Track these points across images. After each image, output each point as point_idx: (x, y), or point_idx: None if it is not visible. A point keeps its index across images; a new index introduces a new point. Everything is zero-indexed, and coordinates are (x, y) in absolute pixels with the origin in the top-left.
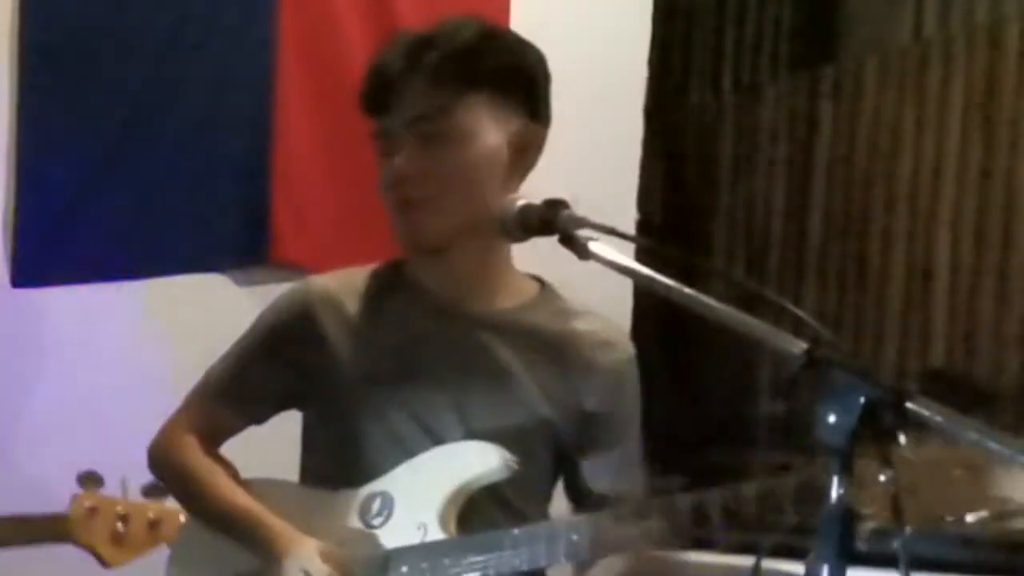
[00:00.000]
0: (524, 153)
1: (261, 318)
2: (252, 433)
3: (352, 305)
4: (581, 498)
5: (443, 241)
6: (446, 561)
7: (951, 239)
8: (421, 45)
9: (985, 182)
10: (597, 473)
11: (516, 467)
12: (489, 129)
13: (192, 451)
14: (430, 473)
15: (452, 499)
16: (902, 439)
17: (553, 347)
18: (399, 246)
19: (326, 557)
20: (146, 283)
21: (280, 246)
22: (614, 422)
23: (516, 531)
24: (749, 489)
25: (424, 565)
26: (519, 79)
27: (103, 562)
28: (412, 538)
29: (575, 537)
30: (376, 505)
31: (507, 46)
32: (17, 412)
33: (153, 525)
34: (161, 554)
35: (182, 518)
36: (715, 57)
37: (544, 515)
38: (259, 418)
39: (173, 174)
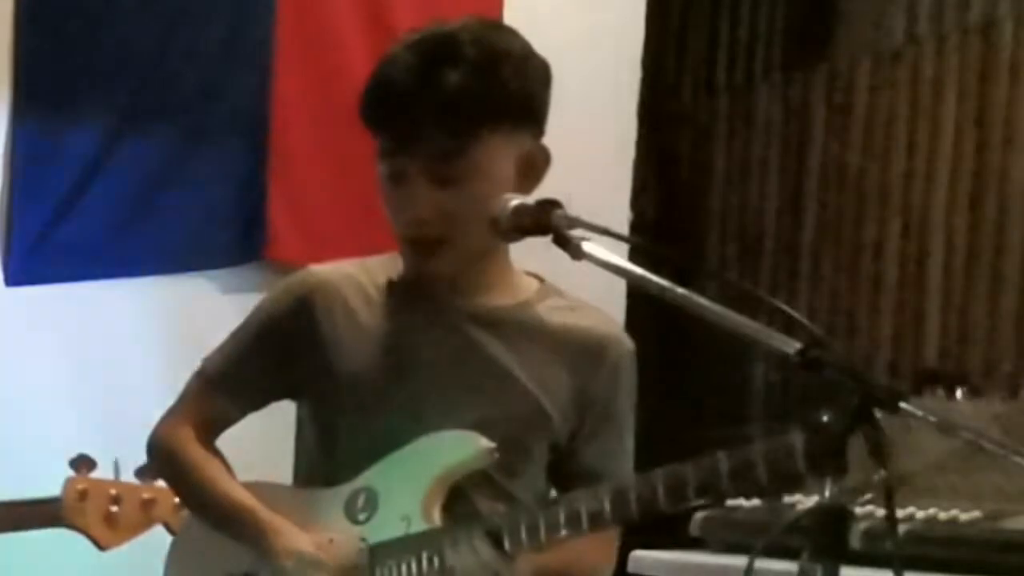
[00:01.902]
0: (530, 173)
1: (260, 308)
2: (245, 433)
3: (351, 297)
4: (571, 489)
5: (455, 273)
6: (428, 551)
7: (944, 239)
8: (435, 64)
9: (978, 182)
10: (591, 467)
11: (496, 454)
12: (502, 160)
13: (190, 444)
14: (410, 465)
15: (434, 489)
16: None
17: (551, 342)
18: (408, 270)
19: (323, 550)
20: (141, 280)
21: (276, 245)
22: (610, 416)
23: (496, 518)
24: (722, 459)
25: (408, 557)
26: (532, 104)
27: (97, 544)
28: (397, 531)
29: (552, 517)
30: (361, 501)
31: (521, 69)
32: (10, 399)
33: (146, 506)
34: (156, 537)
35: (176, 499)
36: (709, 57)
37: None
38: (256, 407)
39: (169, 173)
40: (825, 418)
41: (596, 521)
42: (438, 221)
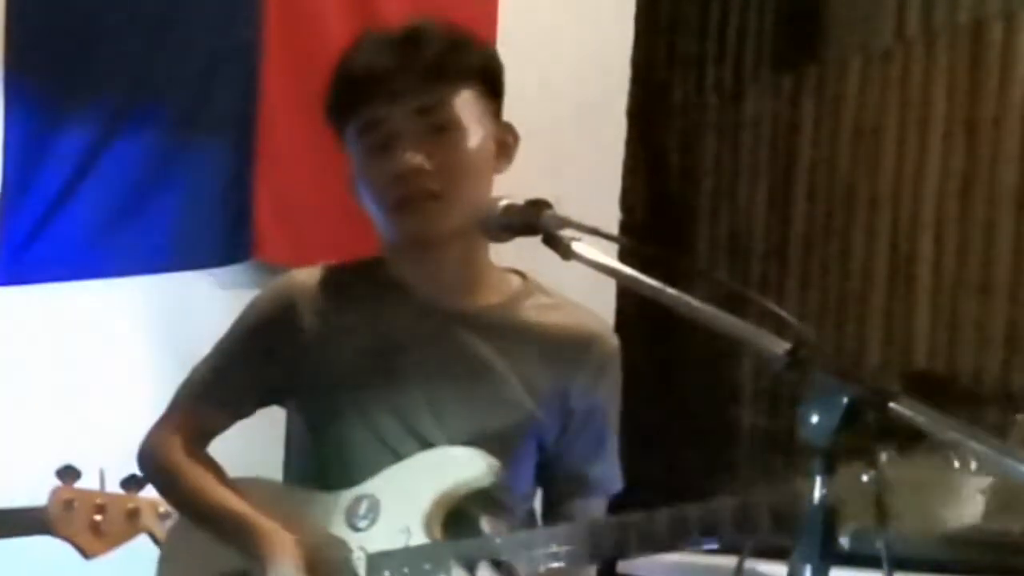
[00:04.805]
0: (504, 151)
1: (244, 315)
2: (237, 431)
3: (335, 301)
4: (556, 488)
5: (449, 235)
6: (427, 566)
7: (934, 239)
8: (409, 42)
9: (968, 182)
10: (575, 465)
11: (502, 473)
12: (479, 124)
13: (180, 453)
14: (417, 477)
15: (437, 504)
16: (883, 456)
17: (536, 342)
18: (398, 240)
19: (308, 562)
20: (130, 281)
21: (263, 245)
22: (595, 414)
23: (498, 539)
24: (727, 505)
25: (406, 570)
26: (494, 79)
27: (82, 552)
28: (396, 542)
29: (553, 547)
30: (363, 508)
31: (483, 46)
32: None
33: (131, 515)
34: (143, 545)
35: (161, 508)
36: (698, 58)
37: (529, 511)
38: (245, 414)
39: (157, 174)
40: (815, 418)
41: (596, 554)
42: (432, 172)
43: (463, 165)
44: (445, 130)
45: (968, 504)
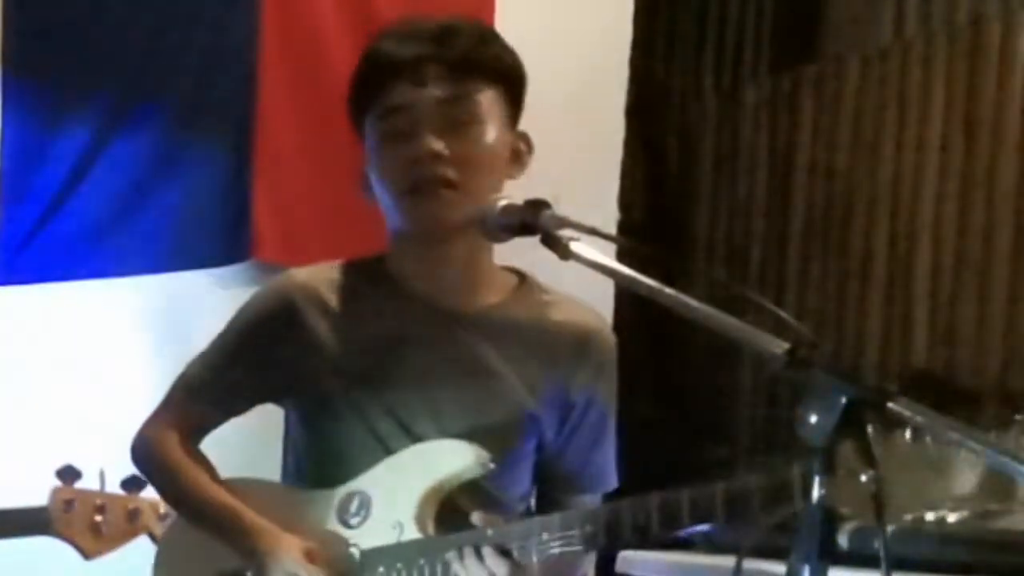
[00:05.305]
0: (518, 158)
1: (241, 312)
2: (234, 431)
3: (333, 300)
4: (553, 486)
5: (457, 227)
6: (421, 561)
7: (932, 238)
8: (442, 34)
9: (966, 181)
10: (573, 462)
11: (491, 465)
12: (499, 124)
13: (173, 449)
14: (406, 472)
15: (428, 498)
16: (870, 431)
17: (534, 341)
18: (408, 227)
19: (311, 556)
20: (128, 281)
21: (262, 245)
22: (592, 411)
23: (490, 531)
24: (718, 488)
25: (399, 565)
26: (518, 85)
27: (83, 553)
28: (388, 537)
29: (545, 536)
30: (354, 504)
31: (511, 51)
32: None
33: (131, 516)
34: (143, 546)
35: (161, 509)
36: (696, 58)
37: (526, 508)
38: (239, 412)
39: (155, 173)
40: (813, 418)
41: (591, 542)
42: (450, 160)
43: (481, 159)
44: (467, 123)
45: (959, 478)
